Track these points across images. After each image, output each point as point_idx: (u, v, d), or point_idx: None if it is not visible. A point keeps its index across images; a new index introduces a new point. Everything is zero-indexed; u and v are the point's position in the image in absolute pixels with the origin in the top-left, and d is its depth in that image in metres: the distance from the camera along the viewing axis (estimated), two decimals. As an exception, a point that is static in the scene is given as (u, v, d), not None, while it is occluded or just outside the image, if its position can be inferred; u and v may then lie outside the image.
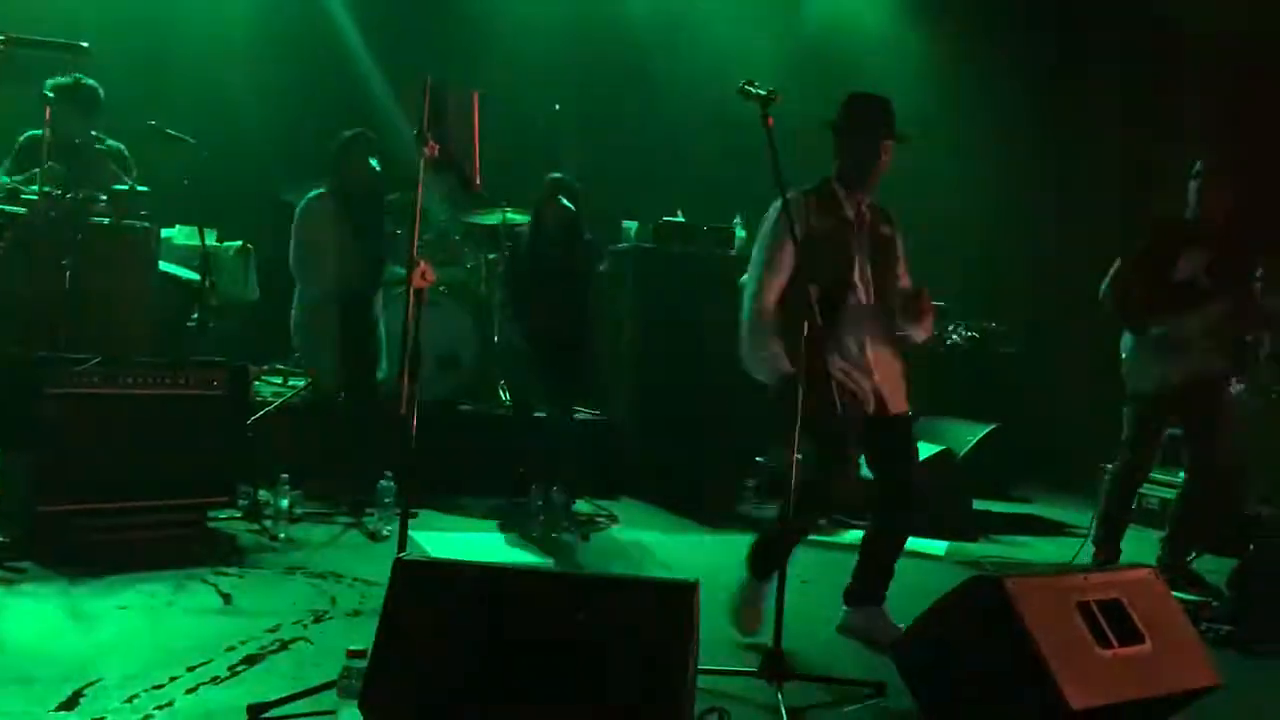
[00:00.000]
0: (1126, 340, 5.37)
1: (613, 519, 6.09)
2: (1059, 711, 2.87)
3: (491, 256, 7.13)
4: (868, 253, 4.08)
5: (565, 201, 5.80)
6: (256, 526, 5.21)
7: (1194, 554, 5.63)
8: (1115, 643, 3.10)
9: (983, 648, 3.12)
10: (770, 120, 3.54)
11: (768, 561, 3.96)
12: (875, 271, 4.08)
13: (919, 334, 4.15)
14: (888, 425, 4.04)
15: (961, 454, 6.93)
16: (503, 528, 5.69)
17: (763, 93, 3.53)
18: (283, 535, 5.10)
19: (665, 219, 7.07)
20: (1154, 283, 5.23)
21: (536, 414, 6.06)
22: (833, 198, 4.06)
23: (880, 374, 4.03)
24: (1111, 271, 5.37)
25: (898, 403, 4.08)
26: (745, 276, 4.15)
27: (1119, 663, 3.07)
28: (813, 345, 3.45)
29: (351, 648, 3.09)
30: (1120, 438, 5.43)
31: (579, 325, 6.06)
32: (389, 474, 5.34)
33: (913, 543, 5.99)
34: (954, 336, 7.62)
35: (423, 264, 3.41)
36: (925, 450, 6.57)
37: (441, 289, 6.68)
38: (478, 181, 3.59)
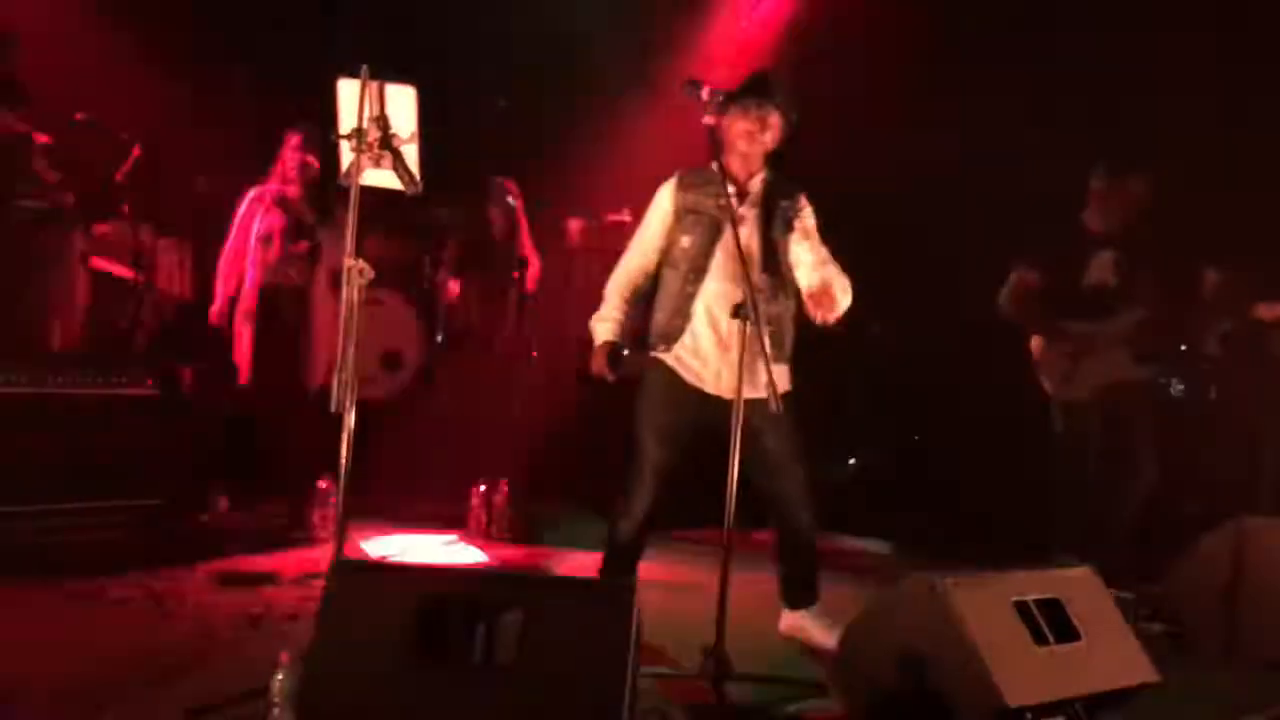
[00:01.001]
0: (1039, 349, 5.31)
1: (553, 520, 6.06)
2: (996, 709, 2.90)
3: (432, 254, 7.08)
4: (757, 229, 3.97)
5: (510, 200, 5.77)
6: (192, 530, 5.11)
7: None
8: (1051, 640, 3.13)
9: (919, 646, 3.12)
10: (712, 119, 3.56)
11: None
12: (764, 249, 3.96)
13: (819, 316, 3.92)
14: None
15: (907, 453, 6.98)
16: (444, 529, 5.64)
17: (703, 93, 3.54)
18: (219, 538, 5.01)
19: (612, 217, 7.05)
20: (1064, 289, 5.24)
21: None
22: (706, 176, 3.97)
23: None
24: (1011, 278, 5.34)
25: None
26: None
27: (1056, 660, 3.10)
28: None
29: (288, 651, 3.04)
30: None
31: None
32: (327, 475, 5.27)
33: (859, 542, 6.09)
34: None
35: (360, 262, 3.36)
36: (872, 450, 6.65)
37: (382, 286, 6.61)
38: (418, 179, 3.54)
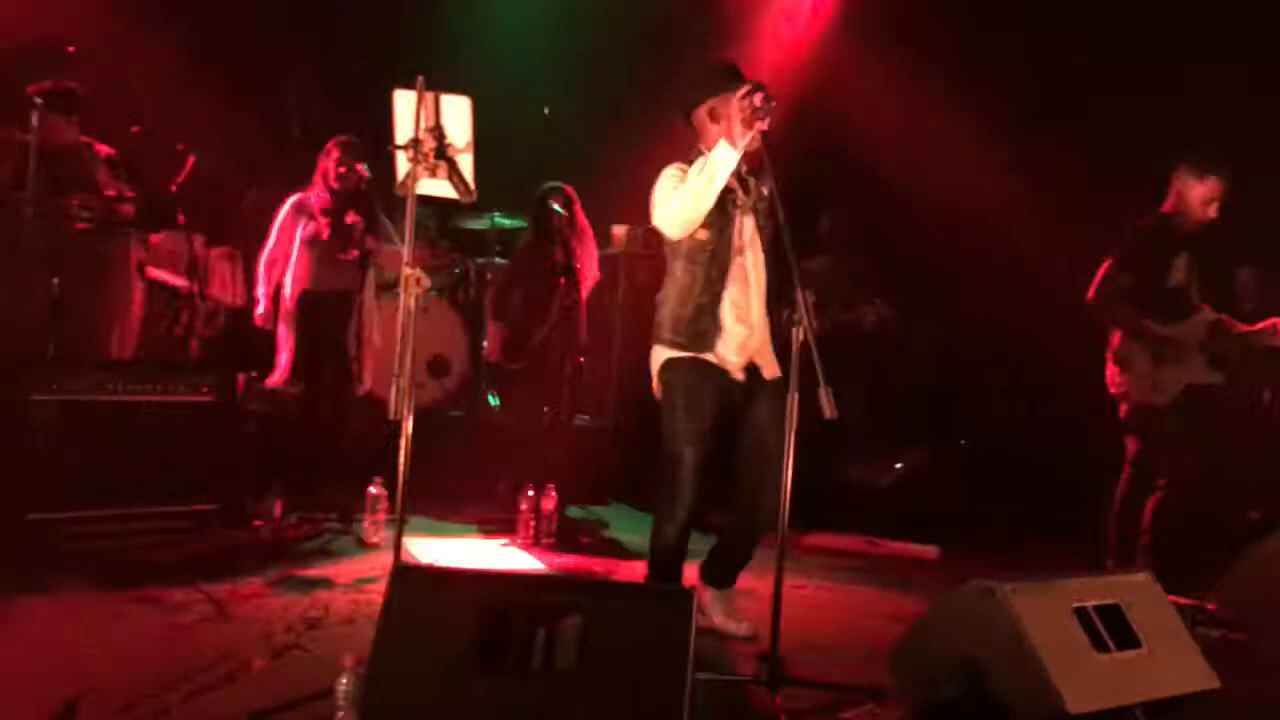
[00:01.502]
0: (1123, 350, 5.29)
1: (603, 525, 6.08)
2: (1057, 716, 2.88)
3: (480, 261, 7.13)
4: (758, 215, 3.98)
5: (558, 208, 5.81)
6: (247, 534, 5.18)
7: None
8: (1112, 647, 3.11)
9: (979, 652, 3.12)
10: (765, 124, 3.58)
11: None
12: (767, 234, 3.98)
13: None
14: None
15: (953, 457, 6.95)
16: (493, 534, 5.68)
17: (758, 105, 3.56)
18: (274, 543, 5.07)
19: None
20: (1148, 288, 5.19)
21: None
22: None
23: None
24: (1102, 273, 5.33)
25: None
26: None
27: (1116, 667, 3.08)
28: None
29: (348, 655, 3.09)
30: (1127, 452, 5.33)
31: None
32: (378, 480, 5.32)
33: (906, 547, 6.06)
34: None
35: (417, 270, 3.40)
36: (917, 454, 6.63)
37: (431, 293, 6.67)
38: (472, 188, 3.58)
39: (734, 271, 3.93)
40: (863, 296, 7.00)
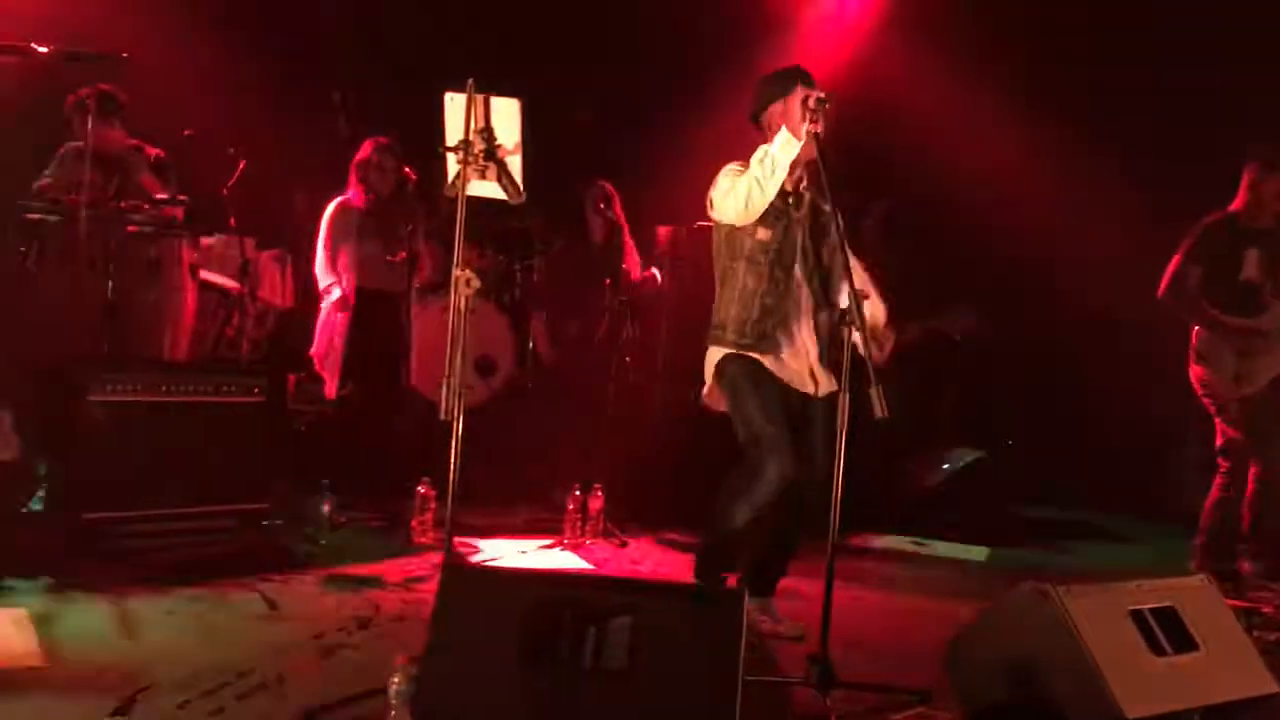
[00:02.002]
0: (1204, 346, 5.25)
1: (650, 526, 6.07)
2: (1113, 720, 2.85)
3: (525, 262, 7.15)
4: (806, 228, 4.00)
5: (600, 205, 5.83)
6: (298, 533, 5.23)
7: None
8: (1169, 650, 3.07)
9: (1033, 655, 3.08)
10: (820, 126, 3.60)
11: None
12: (814, 247, 4.00)
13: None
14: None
15: (1001, 458, 6.89)
16: (540, 534, 5.69)
17: (812, 106, 3.57)
18: (323, 542, 5.12)
19: (701, 223, 7.05)
20: (1219, 282, 5.16)
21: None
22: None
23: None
24: (1172, 269, 5.27)
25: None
26: None
27: (1173, 670, 3.04)
28: None
29: (398, 653, 3.10)
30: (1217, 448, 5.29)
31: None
32: (426, 480, 5.35)
33: (954, 549, 6.03)
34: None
35: (468, 271, 3.42)
36: (966, 455, 6.57)
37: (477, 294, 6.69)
38: (521, 189, 3.60)
39: (801, 274, 3.96)
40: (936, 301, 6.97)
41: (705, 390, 4.08)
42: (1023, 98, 7.57)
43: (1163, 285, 5.28)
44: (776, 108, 3.93)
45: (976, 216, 7.39)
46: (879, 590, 5.11)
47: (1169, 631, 3.10)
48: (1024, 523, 6.75)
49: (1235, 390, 5.16)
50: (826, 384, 3.99)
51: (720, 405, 4.04)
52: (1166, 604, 3.16)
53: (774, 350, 3.94)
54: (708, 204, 3.96)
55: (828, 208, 3.88)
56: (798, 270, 3.96)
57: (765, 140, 3.94)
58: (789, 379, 3.97)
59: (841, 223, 3.67)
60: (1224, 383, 5.18)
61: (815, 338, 3.98)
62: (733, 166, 3.94)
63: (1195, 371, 5.28)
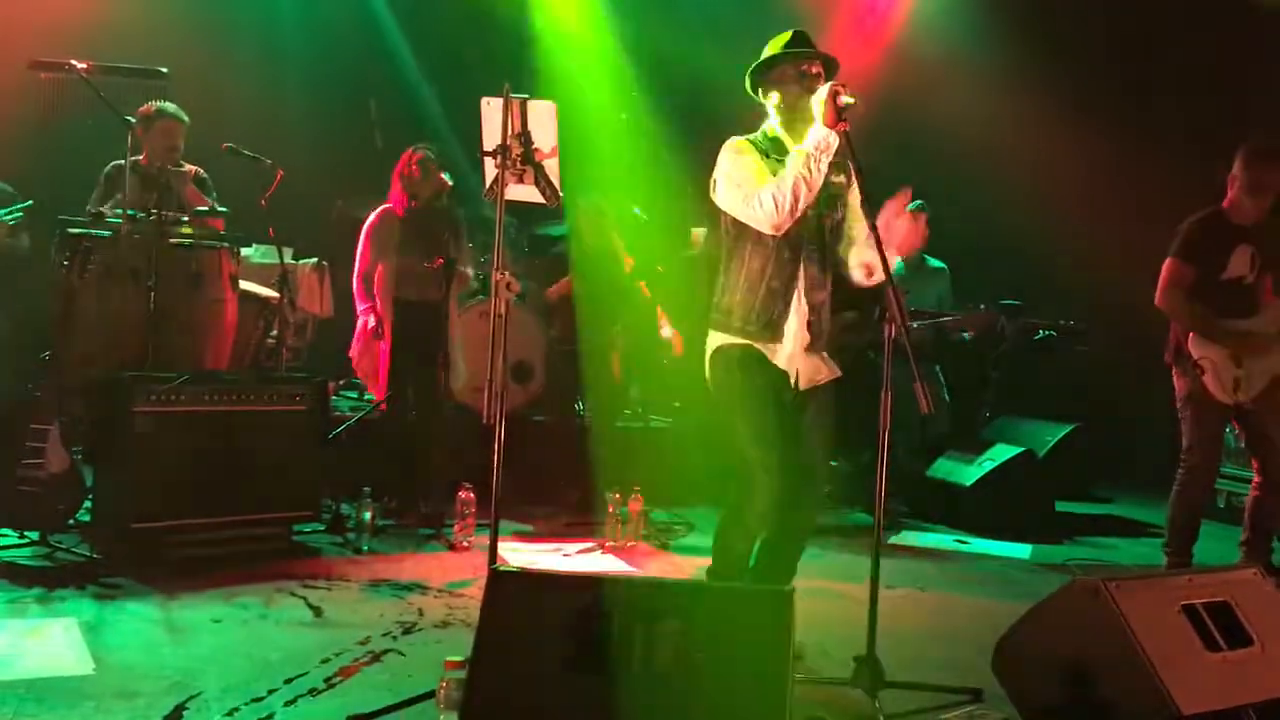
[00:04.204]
0: (1194, 342, 5.10)
1: (689, 526, 6.07)
2: (1169, 717, 2.81)
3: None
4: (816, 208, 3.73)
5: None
6: (341, 540, 5.27)
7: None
8: (1224, 645, 3.02)
9: (1085, 653, 3.05)
10: (846, 125, 3.48)
11: None
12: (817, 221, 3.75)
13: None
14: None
15: (1042, 454, 6.84)
16: (581, 536, 5.70)
17: (850, 100, 3.45)
18: (366, 548, 5.15)
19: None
20: (1211, 283, 5.06)
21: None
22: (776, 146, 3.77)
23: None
24: (1166, 274, 5.13)
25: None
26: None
27: (1229, 666, 3.00)
28: None
29: (444, 658, 3.13)
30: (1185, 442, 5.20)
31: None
32: (467, 485, 5.37)
33: (996, 546, 5.99)
34: (1040, 333, 7.50)
35: (507, 275, 3.43)
36: (1006, 452, 6.53)
37: (513, 299, 6.71)
38: (559, 192, 3.60)
39: (805, 253, 3.71)
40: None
41: (707, 374, 3.85)
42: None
43: (1161, 292, 5.12)
44: (792, 89, 3.70)
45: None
46: (924, 590, 5.07)
47: (1223, 626, 3.05)
48: (1067, 519, 6.69)
49: (1232, 398, 5.02)
50: (811, 373, 3.74)
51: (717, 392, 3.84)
52: (1220, 598, 3.12)
53: (778, 339, 3.70)
54: (712, 187, 3.73)
55: (839, 179, 3.73)
56: (804, 250, 3.71)
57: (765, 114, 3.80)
58: (786, 366, 3.75)
59: (866, 204, 3.46)
60: (1222, 391, 5.02)
61: (807, 323, 3.71)
62: (747, 160, 3.67)
63: (1185, 382, 5.14)
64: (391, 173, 5.91)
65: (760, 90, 3.81)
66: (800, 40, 3.75)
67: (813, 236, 3.72)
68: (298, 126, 7.66)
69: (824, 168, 3.52)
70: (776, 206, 3.52)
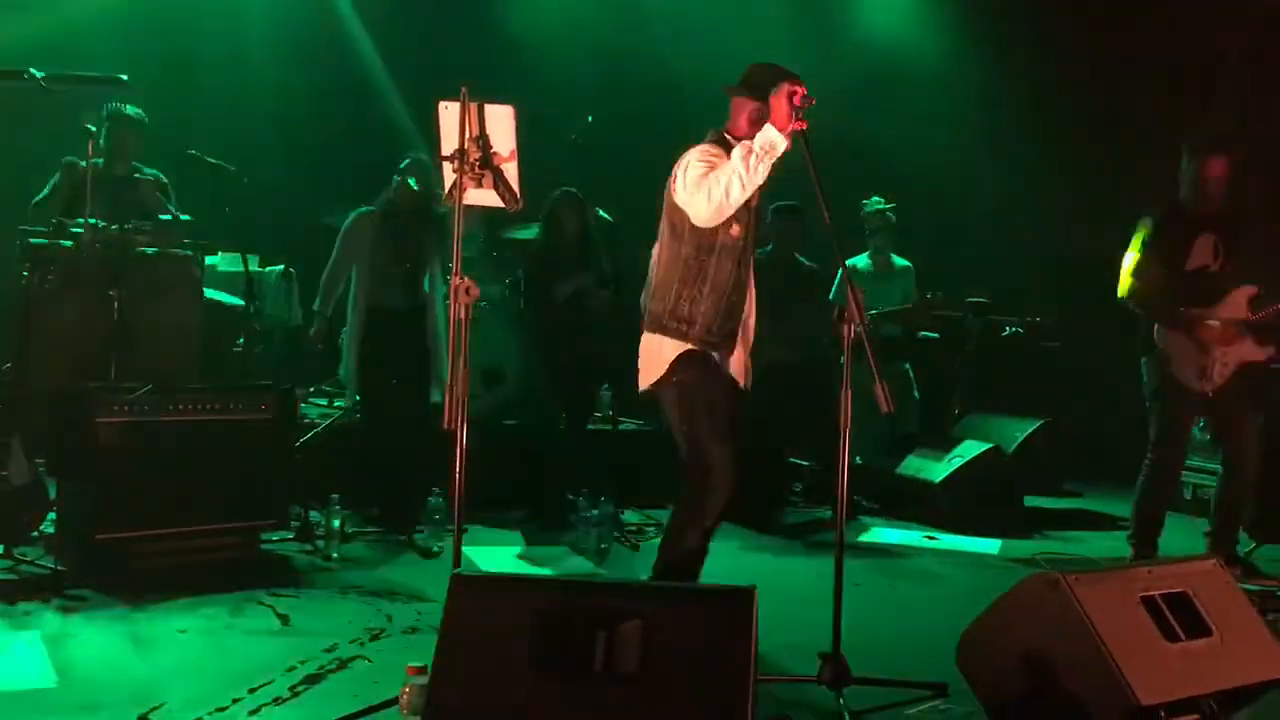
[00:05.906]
0: (1159, 333, 5.18)
1: (660, 527, 6.07)
2: (1127, 708, 2.83)
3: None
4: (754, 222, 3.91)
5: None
6: (309, 547, 5.24)
7: (1253, 545, 5.56)
8: (1182, 636, 3.05)
9: (1045, 645, 3.06)
10: (804, 124, 3.51)
11: None
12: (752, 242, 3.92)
13: None
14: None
15: (1010, 450, 6.88)
16: (552, 541, 5.69)
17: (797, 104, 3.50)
18: (336, 555, 5.12)
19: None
20: (1171, 274, 5.12)
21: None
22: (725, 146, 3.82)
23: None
24: (1128, 268, 5.19)
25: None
26: None
27: (1187, 656, 3.02)
28: None
29: (411, 664, 3.12)
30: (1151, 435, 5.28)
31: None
32: (437, 491, 5.35)
33: (966, 542, 6.02)
34: (1008, 330, 7.57)
35: (467, 280, 3.42)
36: (975, 448, 6.56)
37: (483, 304, 6.68)
38: (519, 197, 3.59)
39: (748, 266, 3.89)
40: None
41: (652, 381, 3.90)
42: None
43: (1124, 285, 5.18)
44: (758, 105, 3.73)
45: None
46: (892, 586, 5.09)
47: (1182, 617, 3.07)
48: (1036, 514, 6.73)
49: (1200, 387, 5.09)
50: (747, 378, 4.00)
51: (663, 398, 3.91)
52: (1179, 589, 3.14)
53: (731, 348, 3.88)
54: (672, 187, 3.78)
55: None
56: (748, 263, 3.88)
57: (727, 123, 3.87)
58: (735, 373, 3.93)
59: (827, 214, 3.47)
60: (1191, 381, 5.09)
61: (748, 333, 3.95)
62: (703, 159, 3.74)
63: (1154, 374, 5.19)
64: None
65: (744, 93, 3.84)
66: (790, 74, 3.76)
67: (751, 248, 3.89)
68: (263, 132, 7.63)
69: (764, 169, 3.56)
70: (709, 197, 3.59)
